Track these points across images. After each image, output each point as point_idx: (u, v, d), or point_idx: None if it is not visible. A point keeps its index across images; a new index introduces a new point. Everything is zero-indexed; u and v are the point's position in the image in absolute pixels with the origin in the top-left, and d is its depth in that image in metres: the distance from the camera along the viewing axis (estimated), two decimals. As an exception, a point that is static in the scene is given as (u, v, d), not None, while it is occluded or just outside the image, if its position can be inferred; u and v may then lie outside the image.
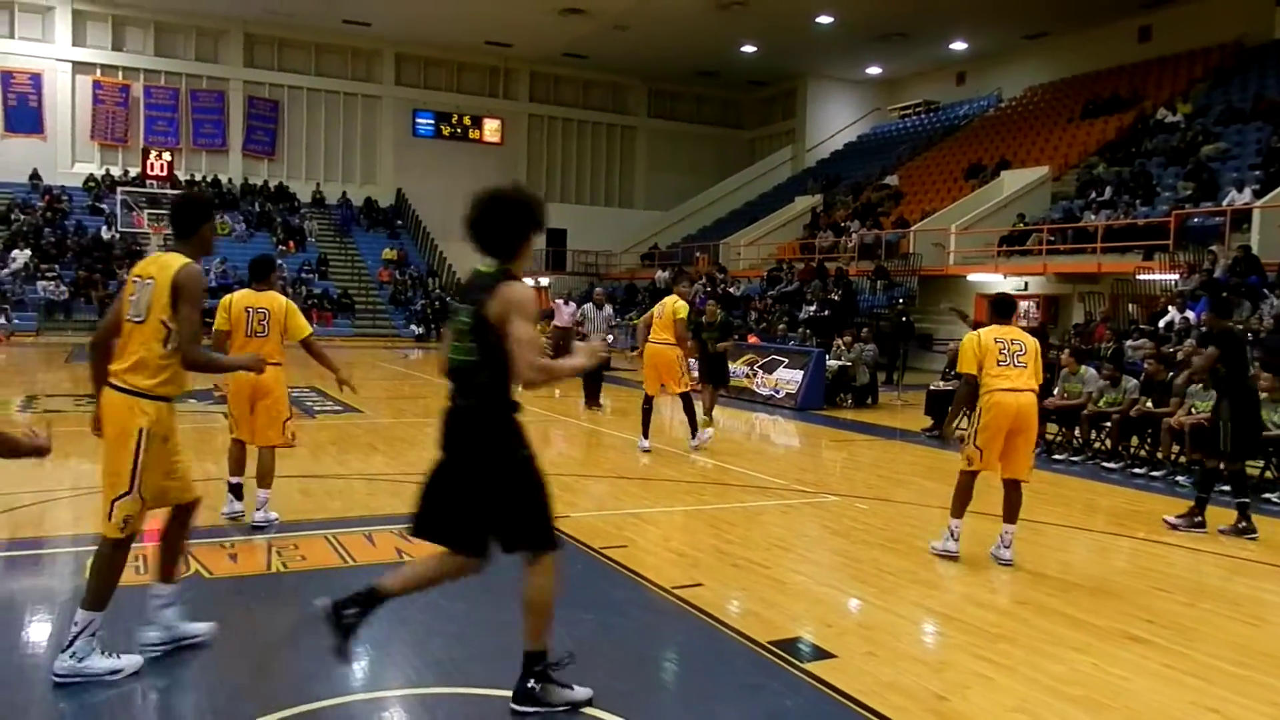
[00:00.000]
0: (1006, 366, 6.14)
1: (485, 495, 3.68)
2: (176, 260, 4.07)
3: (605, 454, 10.79)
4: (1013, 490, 6.26)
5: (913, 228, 25.49)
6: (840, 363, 15.90)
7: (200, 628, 4.37)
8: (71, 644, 3.96)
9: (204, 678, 4.10)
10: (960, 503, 6.30)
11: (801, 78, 39.28)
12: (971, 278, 23.27)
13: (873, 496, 8.41)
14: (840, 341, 16.64)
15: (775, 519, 7.48)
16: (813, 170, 38.04)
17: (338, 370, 6.52)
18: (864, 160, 35.58)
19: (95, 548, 4.18)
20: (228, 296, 6.53)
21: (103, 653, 4.03)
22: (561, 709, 3.77)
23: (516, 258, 3.80)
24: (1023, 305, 22.62)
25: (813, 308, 22.27)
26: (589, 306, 17.65)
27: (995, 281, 22.77)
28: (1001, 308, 6.47)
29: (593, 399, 14.72)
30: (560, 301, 20.45)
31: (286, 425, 6.50)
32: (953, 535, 6.31)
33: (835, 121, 39.79)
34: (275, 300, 6.49)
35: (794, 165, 40.24)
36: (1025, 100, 32.45)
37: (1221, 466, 7.69)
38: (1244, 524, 7.34)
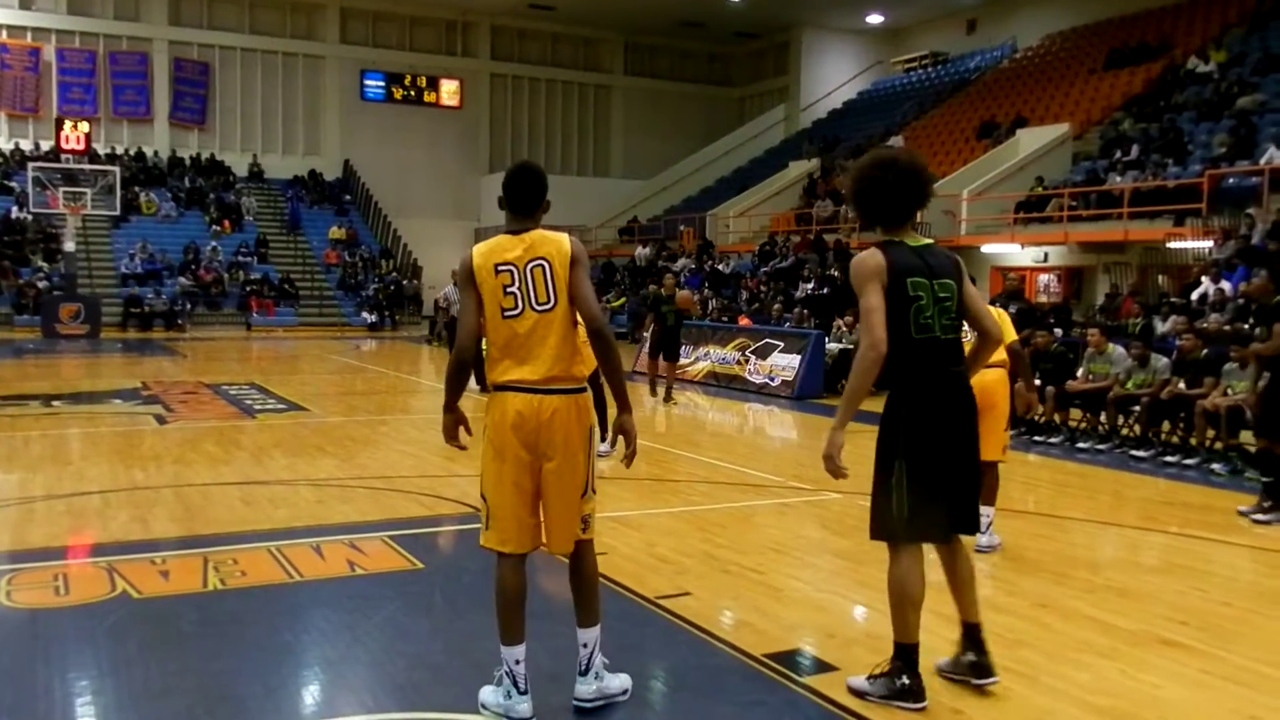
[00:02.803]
0: (967, 341, 6.31)
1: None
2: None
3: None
4: (988, 471, 6.41)
5: (920, 194, 25.48)
6: (842, 346, 15.95)
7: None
8: (589, 666, 4.04)
9: (136, 710, 4.09)
10: None
11: (796, 28, 39.28)
12: (986, 249, 23.36)
13: (879, 493, 8.45)
14: (841, 323, 16.70)
15: (770, 520, 7.51)
16: (809, 131, 38.03)
17: None
18: (865, 119, 35.62)
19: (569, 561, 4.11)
20: None
21: (607, 669, 4.12)
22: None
23: (907, 227, 4.18)
24: (1042, 279, 22.76)
25: (810, 285, 22.32)
26: None
27: (1012, 253, 22.88)
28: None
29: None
30: None
31: None
32: None
33: (833, 77, 39.81)
34: None
35: (788, 126, 40.25)
36: (1043, 50, 32.53)
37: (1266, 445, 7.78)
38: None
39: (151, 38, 35.41)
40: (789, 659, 4.64)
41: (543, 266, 3.90)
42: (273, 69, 37.24)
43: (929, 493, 4.09)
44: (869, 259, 4.06)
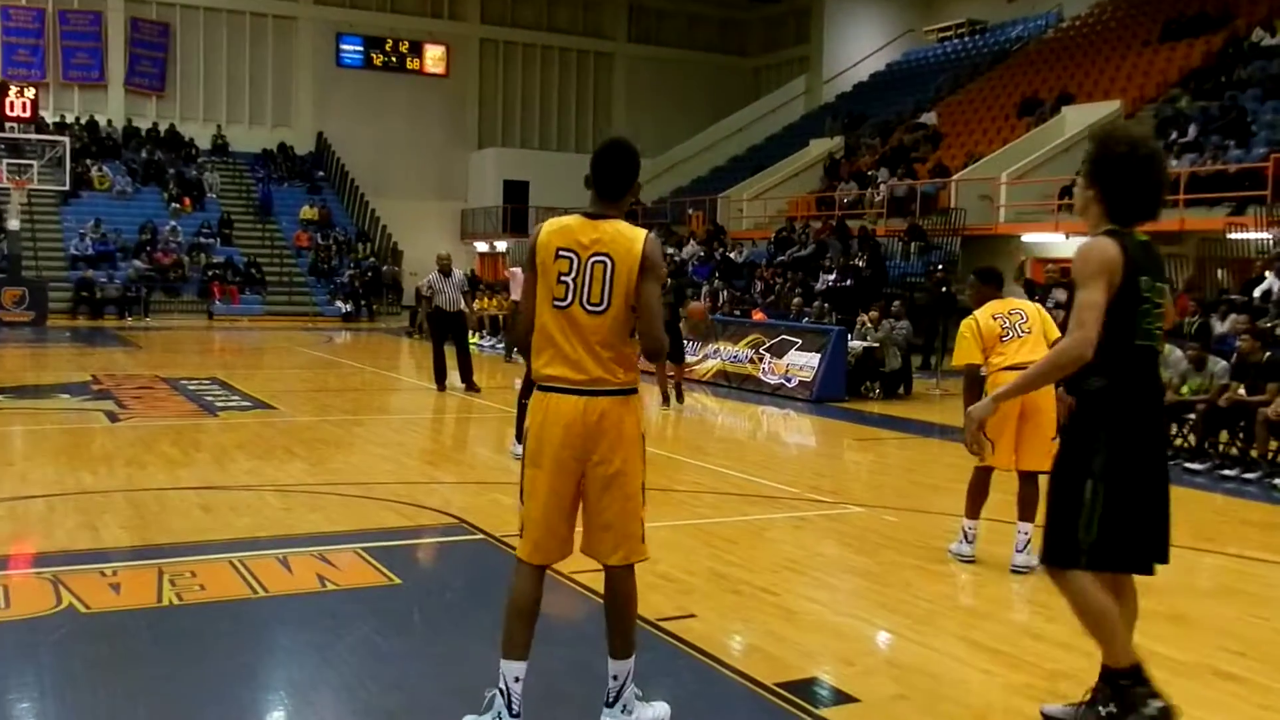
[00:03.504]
0: (1011, 340, 6.65)
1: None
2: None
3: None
4: (1029, 484, 6.58)
5: (954, 177, 25.54)
6: (866, 344, 15.95)
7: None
8: (617, 699, 4.06)
9: (80, 735, 4.09)
10: (974, 502, 6.75)
11: (817, -8, 39.25)
12: (1026, 238, 23.32)
13: (905, 507, 8.45)
14: (866, 318, 16.69)
15: (785, 535, 7.50)
16: (832, 107, 38.01)
17: None
18: (895, 94, 35.58)
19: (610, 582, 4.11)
20: None
21: (639, 700, 4.14)
22: None
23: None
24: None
25: (832, 276, 22.31)
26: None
27: (1055, 242, 22.83)
28: (988, 277, 7.10)
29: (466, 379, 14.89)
30: (517, 270, 20.38)
31: None
32: (966, 537, 6.76)
33: (859, 46, 39.79)
34: None
35: (808, 101, 40.23)
36: (1092, 19, 32.49)
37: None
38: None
39: (106, -6, 35.45)
40: (804, 689, 4.64)
41: (604, 264, 3.88)
42: (239, 31, 37.25)
43: (1126, 519, 3.97)
44: (1105, 249, 3.89)
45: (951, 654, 5.16)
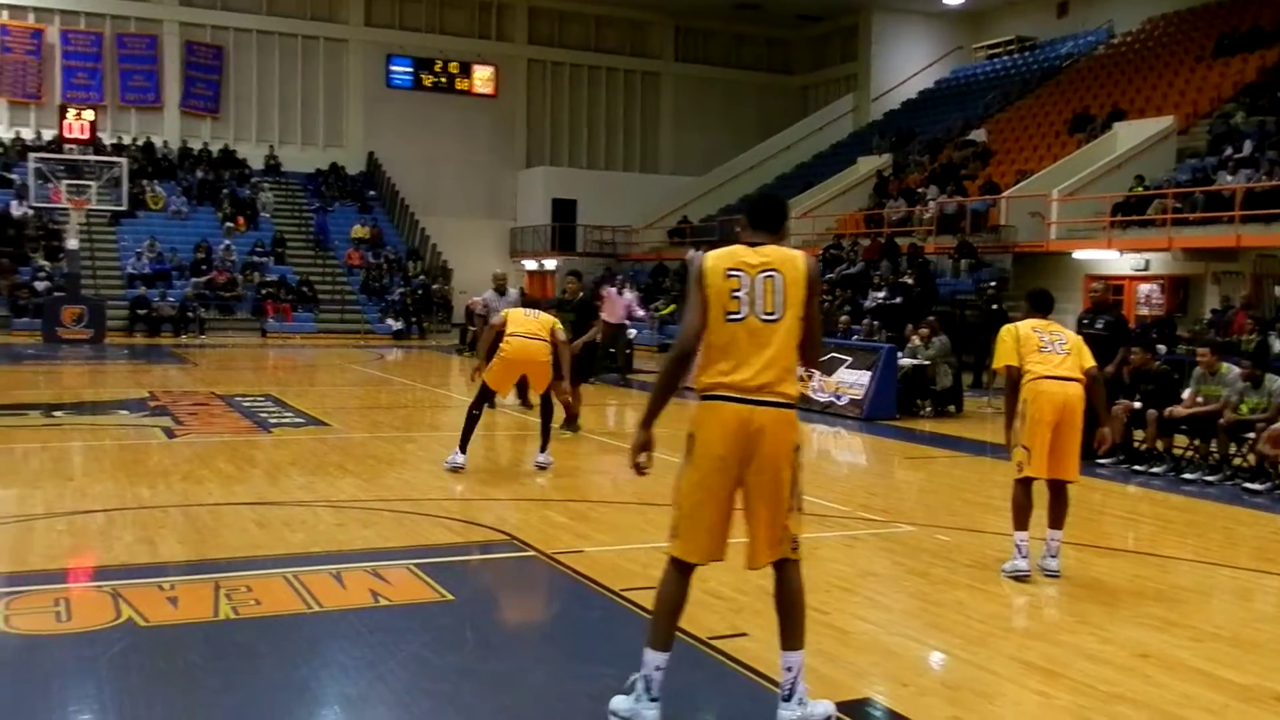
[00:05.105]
0: (1050, 353, 6.77)
1: None
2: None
3: (625, 475, 10.80)
4: (1060, 493, 6.83)
5: (1005, 194, 25.38)
6: (916, 361, 15.85)
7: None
8: (793, 692, 4.26)
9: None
10: (1018, 515, 6.77)
11: (865, 10, 39.24)
12: (1078, 255, 23.13)
13: (957, 526, 8.38)
14: (916, 335, 16.58)
15: (837, 554, 7.46)
16: (879, 124, 37.92)
17: None
18: (943, 110, 35.46)
19: (786, 579, 4.35)
20: None
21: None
22: None
23: None
24: (1142, 289, 22.48)
25: (881, 294, 22.22)
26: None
27: (1108, 260, 22.63)
28: (1040, 301, 7.24)
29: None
30: (612, 290, 20.47)
31: None
32: (1020, 552, 6.75)
33: (907, 64, 39.68)
34: None
35: (856, 118, 40.15)
36: (1143, 35, 32.20)
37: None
38: None
39: (162, 19, 36.11)
40: (857, 709, 4.61)
41: (774, 278, 4.25)
42: (291, 53, 37.79)
43: None
44: None
45: (1006, 675, 5.11)
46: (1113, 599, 6.46)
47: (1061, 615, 6.16)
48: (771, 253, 4.30)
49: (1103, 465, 10.95)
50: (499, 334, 10.09)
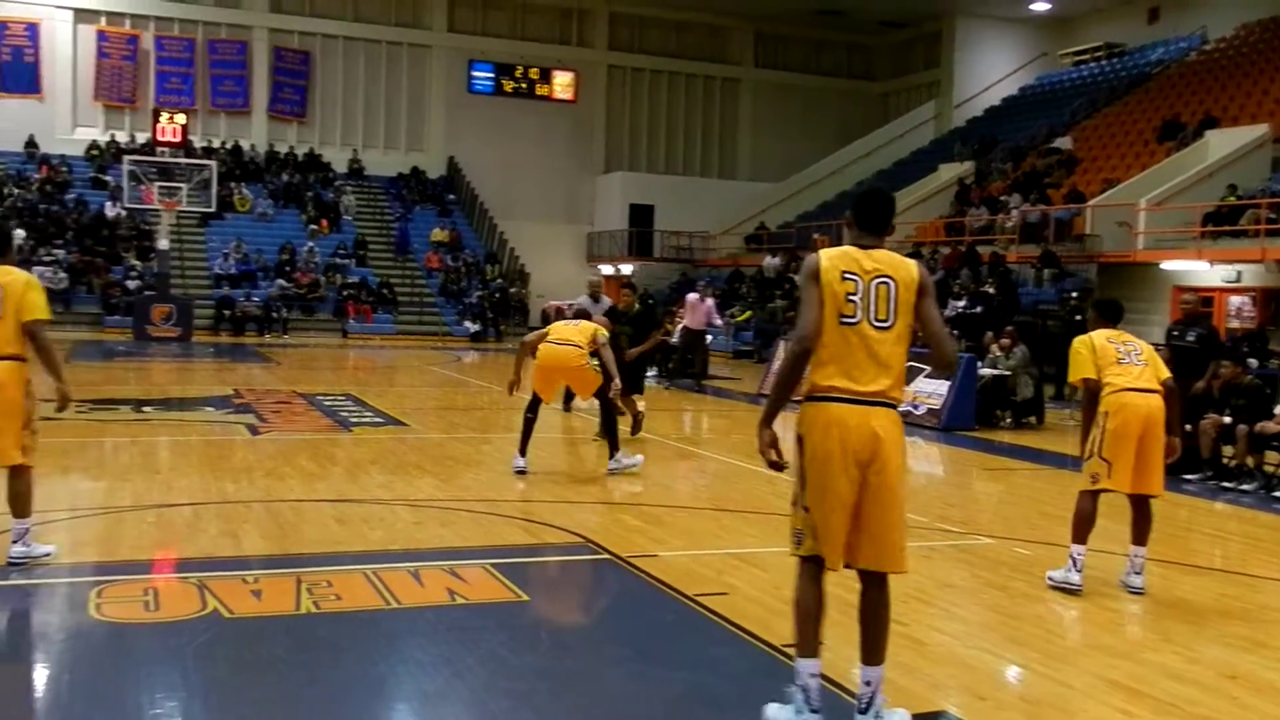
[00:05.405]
0: (1128, 364, 6.64)
1: None
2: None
3: (700, 480, 10.80)
4: (1144, 507, 6.72)
5: (1090, 203, 24.96)
6: (996, 372, 15.63)
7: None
8: (870, 705, 4.29)
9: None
10: (1082, 527, 6.65)
11: (949, 17, 38.83)
12: (1166, 266, 22.65)
13: (1037, 540, 8.25)
14: (996, 345, 16.35)
15: (914, 565, 7.32)
16: (962, 131, 37.48)
17: (59, 378, 6.31)
18: (1028, 118, 34.96)
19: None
20: None
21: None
22: None
23: None
24: (1234, 302, 21.95)
25: (961, 303, 21.96)
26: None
27: (1198, 271, 22.13)
28: (1109, 310, 7.14)
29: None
30: (694, 296, 20.50)
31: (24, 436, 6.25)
32: (1075, 565, 6.62)
33: (991, 70, 39.19)
34: (11, 274, 6.25)
35: (938, 125, 39.74)
36: (1237, 41, 31.46)
37: None
38: None
39: (251, 25, 36.89)
40: (933, 721, 4.57)
41: (887, 285, 4.28)
42: (376, 59, 38.38)
43: None
44: None
45: (1088, 692, 5.02)
46: (1199, 618, 6.32)
47: (1145, 633, 6.04)
48: (883, 258, 4.33)
49: (1190, 481, 10.73)
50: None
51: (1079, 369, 6.75)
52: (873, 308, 4.24)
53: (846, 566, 4.31)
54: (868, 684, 4.27)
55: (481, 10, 39.30)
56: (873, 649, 4.30)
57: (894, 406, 4.28)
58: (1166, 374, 6.76)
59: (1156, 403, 6.57)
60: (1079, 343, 6.85)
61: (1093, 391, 6.70)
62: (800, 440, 4.29)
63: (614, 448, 10.31)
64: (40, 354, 6.27)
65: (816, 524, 4.25)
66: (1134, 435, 6.47)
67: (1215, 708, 4.85)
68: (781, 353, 18.42)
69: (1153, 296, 22.75)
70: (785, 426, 4.22)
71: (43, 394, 6.43)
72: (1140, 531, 6.70)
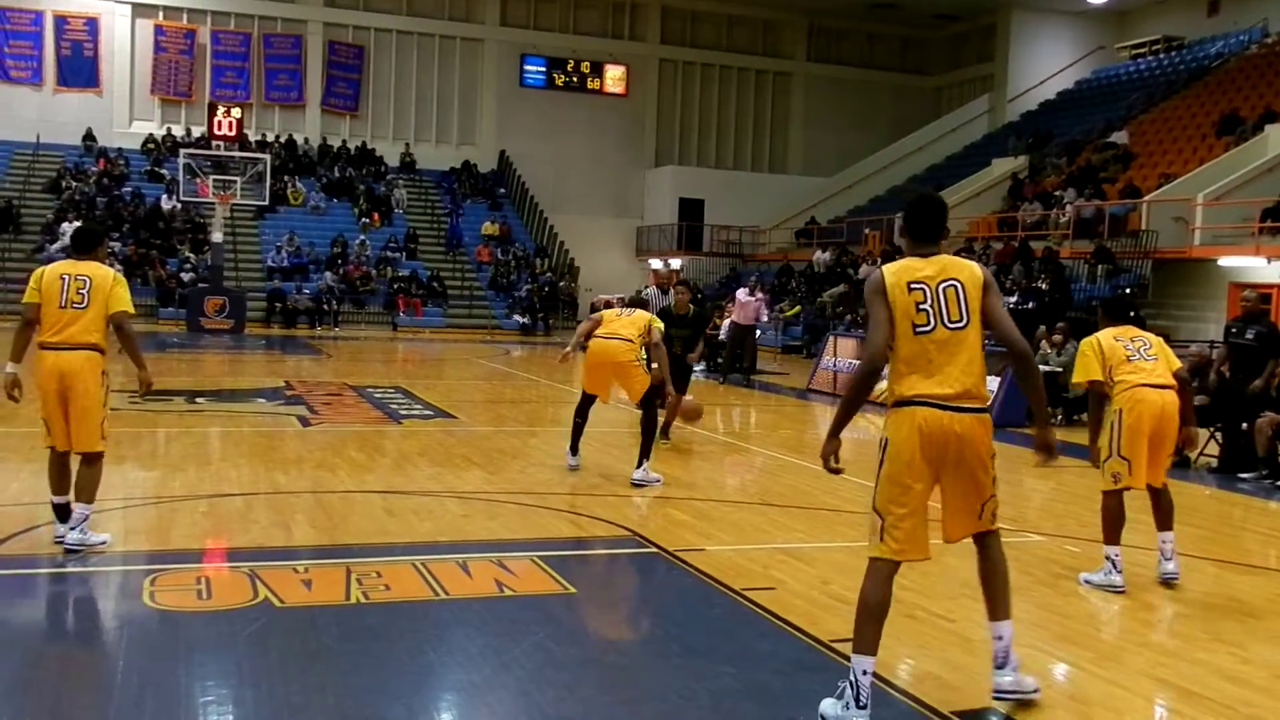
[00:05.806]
0: (1139, 360, 6.67)
1: None
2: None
3: (749, 475, 10.79)
4: (1162, 495, 6.77)
5: (1146, 198, 24.60)
6: (1048, 368, 15.46)
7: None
8: (1006, 660, 4.55)
9: (274, 722, 4.30)
10: (1114, 528, 6.66)
11: (1003, 9, 38.46)
12: (1224, 262, 22.29)
13: (1088, 537, 8.15)
14: (1048, 341, 16.18)
15: (962, 562, 7.31)
16: (1016, 125, 37.10)
17: (142, 366, 6.57)
18: (1084, 112, 34.54)
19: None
20: (39, 269, 6.63)
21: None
22: None
23: None
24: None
25: (1014, 298, 21.75)
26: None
27: (1256, 267, 21.76)
28: (1115, 309, 7.14)
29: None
30: (744, 292, 20.44)
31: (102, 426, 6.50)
32: (1114, 566, 6.62)
33: (1046, 64, 38.74)
34: (101, 269, 6.54)
35: (992, 119, 39.38)
36: (1300, 33, 30.86)
37: None
38: None
39: (306, 19, 37.28)
40: (980, 719, 4.53)
41: (955, 287, 4.40)
42: (429, 53, 38.63)
43: None
44: None
45: (1139, 692, 4.97)
46: (1253, 618, 6.23)
47: (1197, 633, 5.96)
48: (945, 262, 4.44)
49: (1245, 480, 10.56)
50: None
51: (1083, 371, 6.79)
52: (944, 311, 4.35)
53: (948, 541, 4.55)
54: (1000, 638, 4.50)
55: (534, 4, 39.41)
56: (998, 604, 4.54)
57: (981, 410, 4.40)
58: (1178, 364, 6.81)
59: (1171, 398, 6.61)
60: (1085, 344, 6.87)
61: (1098, 394, 6.76)
62: (884, 442, 4.39)
63: (645, 454, 9.54)
64: (125, 344, 6.57)
65: (897, 524, 4.34)
66: (1146, 431, 6.54)
67: (1270, 709, 4.78)
68: (831, 348, 18.36)
69: (1209, 294, 22.40)
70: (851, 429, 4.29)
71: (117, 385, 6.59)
72: (1164, 518, 6.75)
